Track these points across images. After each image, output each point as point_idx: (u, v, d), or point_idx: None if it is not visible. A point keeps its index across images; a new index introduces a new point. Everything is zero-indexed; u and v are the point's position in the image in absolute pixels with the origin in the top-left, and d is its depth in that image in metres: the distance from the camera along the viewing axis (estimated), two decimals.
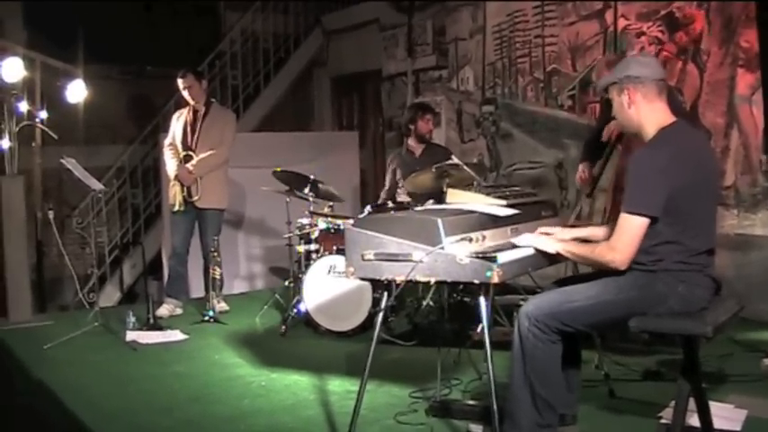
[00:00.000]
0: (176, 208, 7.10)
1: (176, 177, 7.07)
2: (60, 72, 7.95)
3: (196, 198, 7.04)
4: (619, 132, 5.31)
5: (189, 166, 7.03)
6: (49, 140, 7.29)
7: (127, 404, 4.74)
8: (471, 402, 4.36)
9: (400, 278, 3.51)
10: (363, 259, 3.58)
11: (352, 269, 3.64)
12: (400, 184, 7.05)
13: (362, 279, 3.69)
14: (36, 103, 7.64)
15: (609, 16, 7.32)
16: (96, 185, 6.70)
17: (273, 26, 11.43)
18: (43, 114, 7.36)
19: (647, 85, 3.42)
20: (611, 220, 5.11)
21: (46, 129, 7.27)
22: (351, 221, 4.42)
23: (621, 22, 7.21)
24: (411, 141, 7.14)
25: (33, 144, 7.97)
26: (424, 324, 6.23)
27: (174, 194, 7.10)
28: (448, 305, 5.79)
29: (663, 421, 3.98)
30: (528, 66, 8.23)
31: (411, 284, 3.73)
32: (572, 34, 7.69)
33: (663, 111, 3.45)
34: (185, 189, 7.05)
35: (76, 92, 7.49)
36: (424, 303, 6.35)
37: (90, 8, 9.90)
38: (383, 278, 3.57)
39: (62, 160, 6.63)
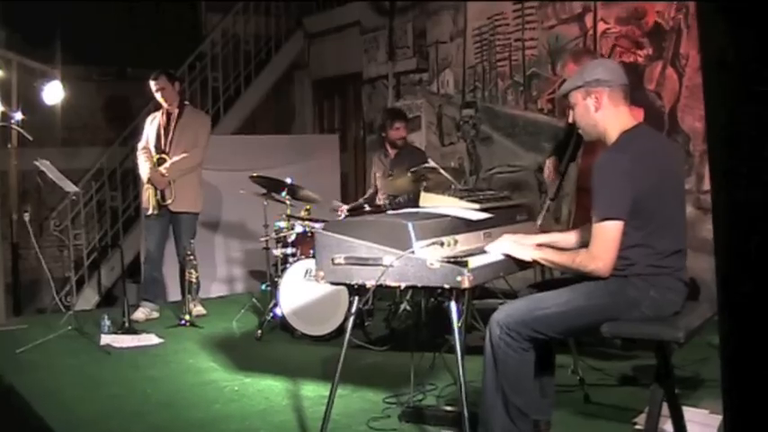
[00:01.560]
0: (150, 211, 7.03)
1: (149, 181, 7.01)
2: (37, 73, 7.89)
3: (170, 201, 6.98)
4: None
5: (162, 169, 6.97)
6: (27, 142, 7.21)
7: (98, 409, 4.69)
8: (444, 408, 4.33)
9: (370, 283, 3.47)
10: (333, 263, 3.54)
11: (322, 273, 3.60)
12: (380, 186, 7.04)
13: (332, 283, 3.65)
14: (12, 104, 7.57)
15: (588, 20, 7.31)
16: (71, 188, 6.63)
17: (255, 28, 11.37)
18: (18, 116, 7.29)
19: (614, 89, 3.41)
20: (577, 222, 5.11)
21: (21, 130, 7.20)
22: (320, 225, 4.37)
23: (601, 26, 7.19)
24: (387, 145, 7.15)
25: (9, 146, 7.89)
26: (402, 328, 6.20)
27: (148, 198, 7.04)
28: (425, 309, 5.76)
29: (637, 427, 3.97)
30: (508, 69, 8.21)
31: (384, 289, 3.69)
32: (552, 37, 7.67)
33: (626, 115, 3.45)
34: (159, 192, 6.99)
35: (53, 93, 7.45)
36: (401, 308, 6.32)
37: (69, 9, 9.81)
38: (353, 282, 3.54)
39: (36, 162, 6.56)
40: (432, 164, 5.34)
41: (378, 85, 10.12)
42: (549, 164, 5.79)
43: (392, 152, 7.10)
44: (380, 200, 7.02)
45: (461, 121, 8.83)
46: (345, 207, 6.87)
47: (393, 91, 9.82)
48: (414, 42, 9.49)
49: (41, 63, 8.14)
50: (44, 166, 6.54)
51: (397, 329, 6.23)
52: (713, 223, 1.33)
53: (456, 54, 8.86)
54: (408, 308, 6.32)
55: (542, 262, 3.58)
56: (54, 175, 6.57)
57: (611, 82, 3.41)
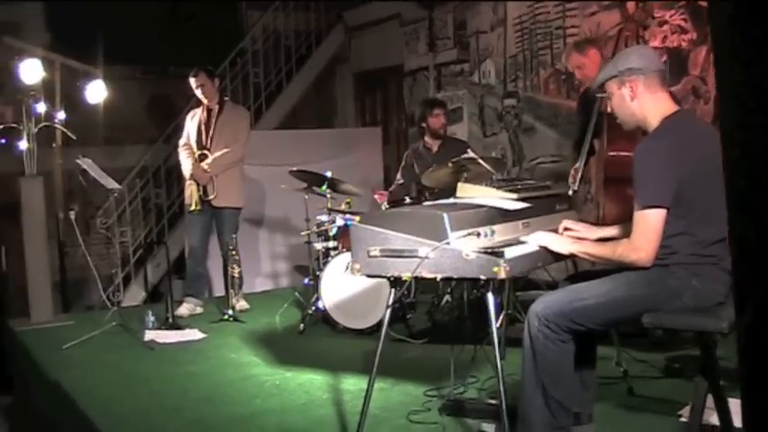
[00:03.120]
0: (192, 207, 7.06)
1: (192, 177, 7.04)
2: (80, 73, 7.96)
3: (212, 197, 7.01)
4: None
5: (204, 165, 7.00)
6: (72, 142, 7.29)
7: (138, 404, 4.71)
8: (484, 401, 4.27)
9: (406, 274, 3.42)
10: (369, 255, 3.50)
11: (357, 266, 3.57)
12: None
13: (368, 276, 3.60)
14: (56, 104, 7.65)
15: (630, 6, 7.18)
16: (112, 185, 6.69)
17: (295, 23, 11.38)
18: (61, 115, 7.37)
19: (650, 76, 3.34)
20: (607, 214, 5.02)
21: (64, 129, 7.28)
22: (353, 218, 4.34)
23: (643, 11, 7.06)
24: (427, 137, 7.08)
25: (54, 145, 7.97)
26: (444, 321, 6.16)
27: (190, 194, 7.07)
28: (468, 301, 5.71)
29: (682, 420, 3.87)
30: (549, 57, 8.10)
31: (421, 281, 3.65)
32: (593, 25, 7.55)
33: (666, 100, 3.36)
34: (201, 188, 7.02)
35: (96, 92, 7.49)
36: (444, 300, 6.27)
37: (111, 9, 9.90)
38: (389, 275, 3.49)
39: (78, 160, 6.63)
40: (471, 154, 5.29)
41: (419, 77, 10.07)
42: (573, 172, 5.73)
43: (434, 144, 7.04)
44: (414, 191, 6.97)
45: (503, 112, 8.74)
46: (385, 193, 6.83)
47: (434, 82, 9.76)
48: (454, 33, 9.42)
49: (84, 63, 8.21)
50: (86, 164, 6.60)
51: (439, 322, 6.18)
52: (728, 213, 1.29)
53: (497, 44, 8.77)
54: (451, 300, 6.28)
55: (582, 255, 3.51)
56: (96, 173, 6.62)
57: (644, 69, 3.33)
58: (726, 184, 1.32)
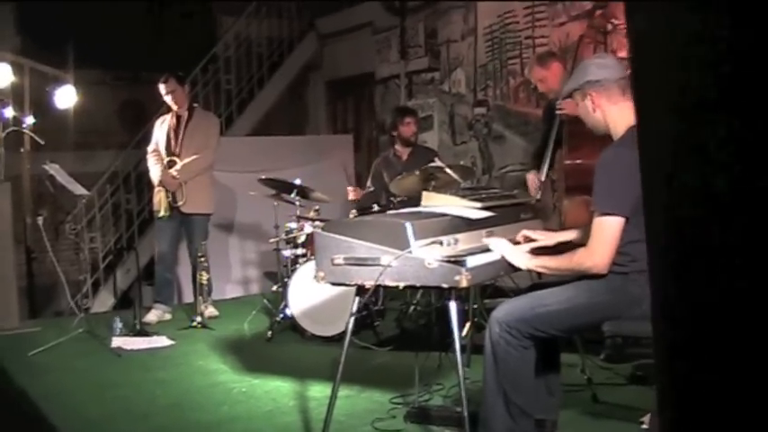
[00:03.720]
0: (162, 214, 7.06)
1: (161, 183, 7.04)
2: (50, 77, 7.93)
3: (181, 203, 7.00)
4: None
5: (173, 171, 7.00)
6: (43, 147, 7.25)
7: (105, 411, 4.70)
8: (449, 408, 4.30)
9: (369, 283, 3.45)
10: (333, 263, 3.53)
11: (322, 273, 3.59)
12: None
13: (332, 283, 3.63)
14: (24, 108, 7.61)
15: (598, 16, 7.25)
16: (80, 191, 6.67)
17: (268, 30, 11.38)
18: (30, 120, 7.33)
19: (609, 86, 3.37)
20: (569, 223, 5.09)
21: (32, 134, 7.24)
22: (321, 225, 4.36)
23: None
24: (397, 146, 7.12)
25: (22, 150, 7.93)
26: (412, 328, 6.18)
27: (159, 200, 7.07)
28: (436, 309, 5.74)
29: (644, 426, 3.92)
30: (519, 67, 8.17)
31: (386, 289, 3.67)
32: (562, 35, 7.62)
33: (629, 109, 3.40)
34: (170, 195, 7.02)
35: (66, 97, 7.47)
36: (412, 308, 6.30)
37: (83, 13, 9.86)
38: (353, 283, 3.52)
39: (45, 166, 6.60)
40: (438, 163, 5.32)
41: (390, 84, 10.12)
42: (530, 178, 5.81)
43: (404, 152, 7.08)
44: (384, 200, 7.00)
45: (473, 120, 8.80)
46: (359, 190, 6.89)
47: (405, 90, 9.80)
48: (425, 42, 9.48)
49: (54, 68, 8.17)
50: (53, 169, 6.58)
51: (407, 330, 6.21)
52: (645, 219, 1.32)
53: (467, 53, 8.83)
54: (419, 308, 6.31)
55: (539, 270, 3.55)
56: (63, 178, 6.60)
57: (603, 81, 3.37)
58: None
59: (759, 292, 1.08)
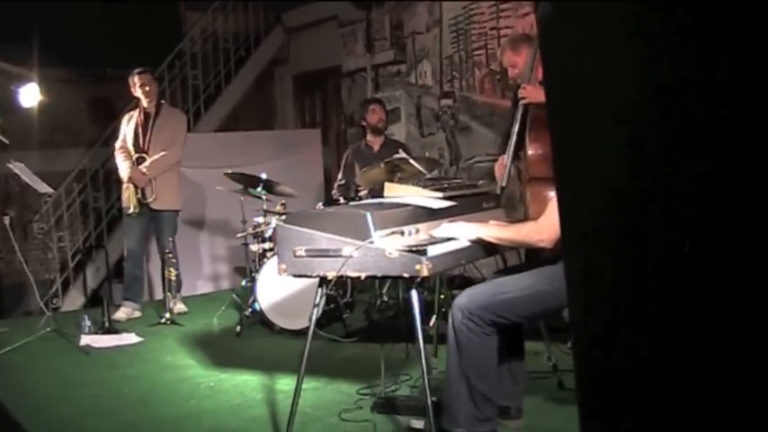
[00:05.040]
0: (131, 210, 7.04)
1: (130, 180, 7.02)
2: (13, 75, 7.85)
3: (151, 200, 6.99)
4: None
5: (142, 167, 6.98)
6: (9, 146, 7.19)
7: (73, 408, 4.70)
8: (415, 397, 4.33)
9: (331, 274, 3.47)
10: (295, 256, 3.53)
11: (284, 266, 3.60)
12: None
13: (295, 276, 3.64)
14: None
15: None
16: (45, 189, 6.64)
17: (234, 25, 11.33)
18: None
19: None
20: (532, 213, 5.11)
21: None
22: (282, 218, 4.38)
23: None
24: (369, 136, 7.17)
25: None
26: (380, 320, 6.20)
27: (128, 197, 7.04)
28: (403, 300, 5.76)
29: None
30: (484, 58, 8.20)
31: (354, 280, 3.68)
32: (527, 25, 7.65)
33: None
34: (139, 191, 7.00)
35: (30, 96, 7.40)
36: (380, 299, 6.32)
37: (47, 10, 9.78)
38: (315, 274, 3.53)
39: (9, 164, 6.56)
40: (402, 154, 5.34)
41: (357, 78, 10.11)
42: (499, 162, 5.82)
43: (377, 143, 7.12)
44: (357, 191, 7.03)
45: (440, 112, 8.82)
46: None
47: (372, 83, 9.81)
48: (391, 34, 9.48)
49: (18, 65, 8.10)
50: (17, 168, 6.54)
51: (375, 321, 6.23)
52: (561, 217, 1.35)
53: (433, 45, 8.85)
54: (387, 299, 6.33)
55: (488, 239, 3.57)
56: (28, 177, 6.57)
57: None
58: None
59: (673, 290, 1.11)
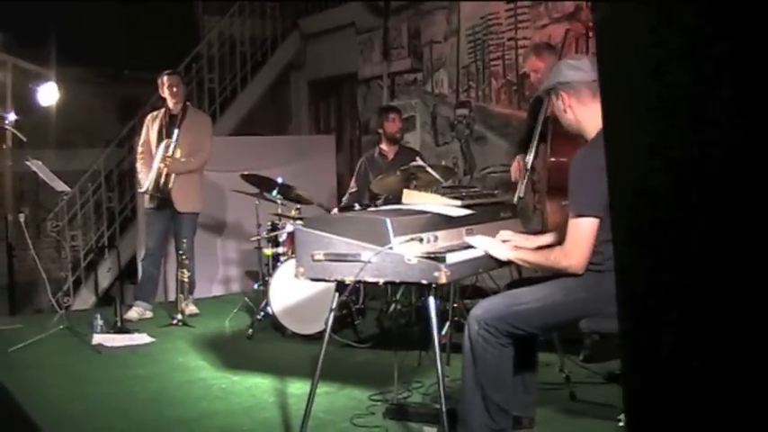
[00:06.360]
0: (146, 188, 7.05)
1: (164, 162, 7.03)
2: (32, 75, 7.91)
3: (169, 187, 6.99)
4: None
5: (177, 155, 7.03)
6: (25, 144, 7.25)
7: (84, 406, 4.71)
8: (427, 405, 4.34)
9: (349, 279, 3.48)
10: (313, 260, 3.54)
11: (302, 269, 3.61)
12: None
13: (312, 279, 3.65)
14: (6, 105, 7.59)
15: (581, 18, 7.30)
16: (61, 187, 6.66)
17: (251, 30, 11.39)
18: (12, 116, 7.31)
19: (579, 89, 3.42)
20: (551, 222, 5.11)
21: (15, 131, 7.22)
22: (301, 222, 4.39)
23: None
24: (383, 145, 7.17)
25: (4, 147, 7.91)
26: (392, 327, 6.21)
27: (151, 179, 7.03)
28: (416, 307, 5.77)
29: (621, 424, 3.96)
30: (501, 68, 8.21)
31: (364, 285, 3.69)
32: (544, 37, 7.65)
33: (600, 111, 3.44)
34: (164, 176, 7.00)
35: (48, 95, 7.45)
36: (392, 306, 6.32)
37: (66, 10, 9.83)
38: (332, 278, 3.54)
39: (27, 162, 6.59)
40: (419, 162, 5.36)
41: (373, 85, 10.14)
42: (515, 163, 5.83)
43: (391, 151, 7.12)
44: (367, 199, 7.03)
45: (455, 121, 8.83)
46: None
47: (388, 91, 9.82)
48: (408, 42, 9.50)
49: (37, 65, 8.15)
50: (35, 165, 6.57)
51: (387, 328, 6.23)
52: (612, 212, 1.36)
53: (450, 54, 8.86)
54: (399, 306, 6.34)
55: (518, 262, 3.61)
56: (45, 174, 6.59)
57: (573, 83, 3.43)
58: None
59: (721, 289, 1.12)
